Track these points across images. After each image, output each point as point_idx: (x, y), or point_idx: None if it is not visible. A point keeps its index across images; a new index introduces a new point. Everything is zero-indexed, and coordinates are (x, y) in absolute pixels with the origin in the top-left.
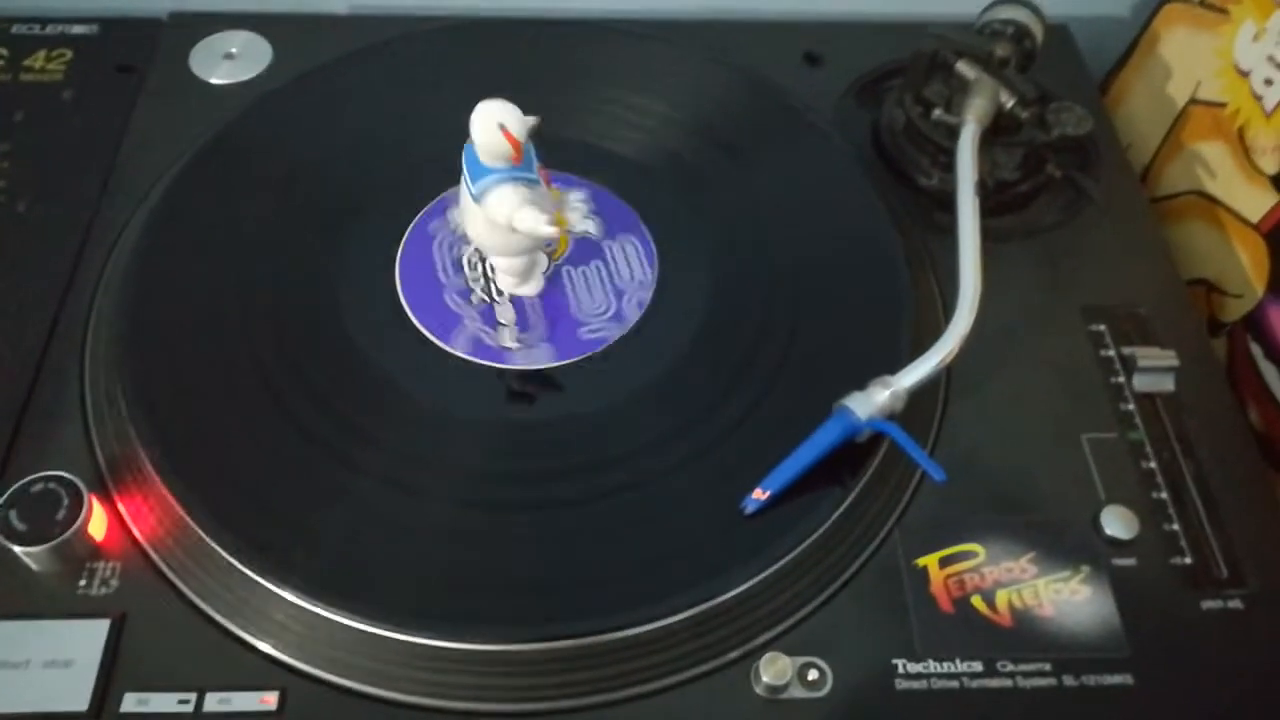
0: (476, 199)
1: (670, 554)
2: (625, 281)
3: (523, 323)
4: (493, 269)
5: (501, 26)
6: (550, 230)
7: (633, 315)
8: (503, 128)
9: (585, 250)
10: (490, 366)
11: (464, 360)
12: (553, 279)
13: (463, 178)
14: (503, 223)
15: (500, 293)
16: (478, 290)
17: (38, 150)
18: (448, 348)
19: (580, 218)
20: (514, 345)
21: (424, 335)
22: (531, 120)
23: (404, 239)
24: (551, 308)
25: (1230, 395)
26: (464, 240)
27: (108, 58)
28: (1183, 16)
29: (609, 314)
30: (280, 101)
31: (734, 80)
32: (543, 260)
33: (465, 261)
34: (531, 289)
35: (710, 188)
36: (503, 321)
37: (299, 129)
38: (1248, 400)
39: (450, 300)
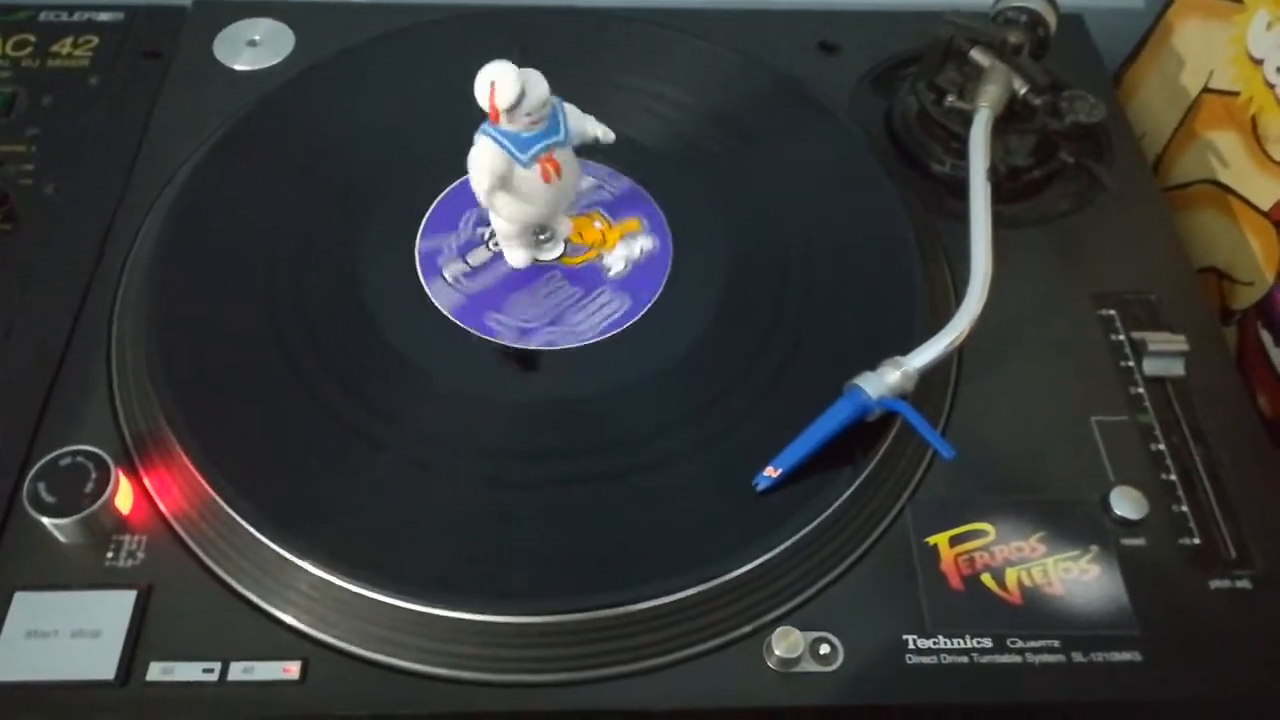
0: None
1: (684, 530)
2: (568, 322)
3: (475, 273)
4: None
5: (519, 14)
6: (482, 203)
7: (532, 344)
8: (492, 86)
9: (588, 276)
10: (512, 346)
11: (482, 339)
12: (542, 268)
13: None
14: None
15: (495, 245)
16: (489, 228)
17: (65, 135)
18: (415, 242)
19: (619, 255)
20: (447, 279)
21: (439, 309)
22: (599, 131)
23: (425, 218)
24: (507, 283)
25: (1239, 380)
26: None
27: (133, 44)
28: (1196, 6)
29: (519, 327)
30: (304, 86)
31: (750, 69)
32: (555, 248)
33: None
34: (515, 259)
35: (727, 174)
36: (468, 260)
37: (322, 114)
38: (1258, 387)
39: (464, 220)
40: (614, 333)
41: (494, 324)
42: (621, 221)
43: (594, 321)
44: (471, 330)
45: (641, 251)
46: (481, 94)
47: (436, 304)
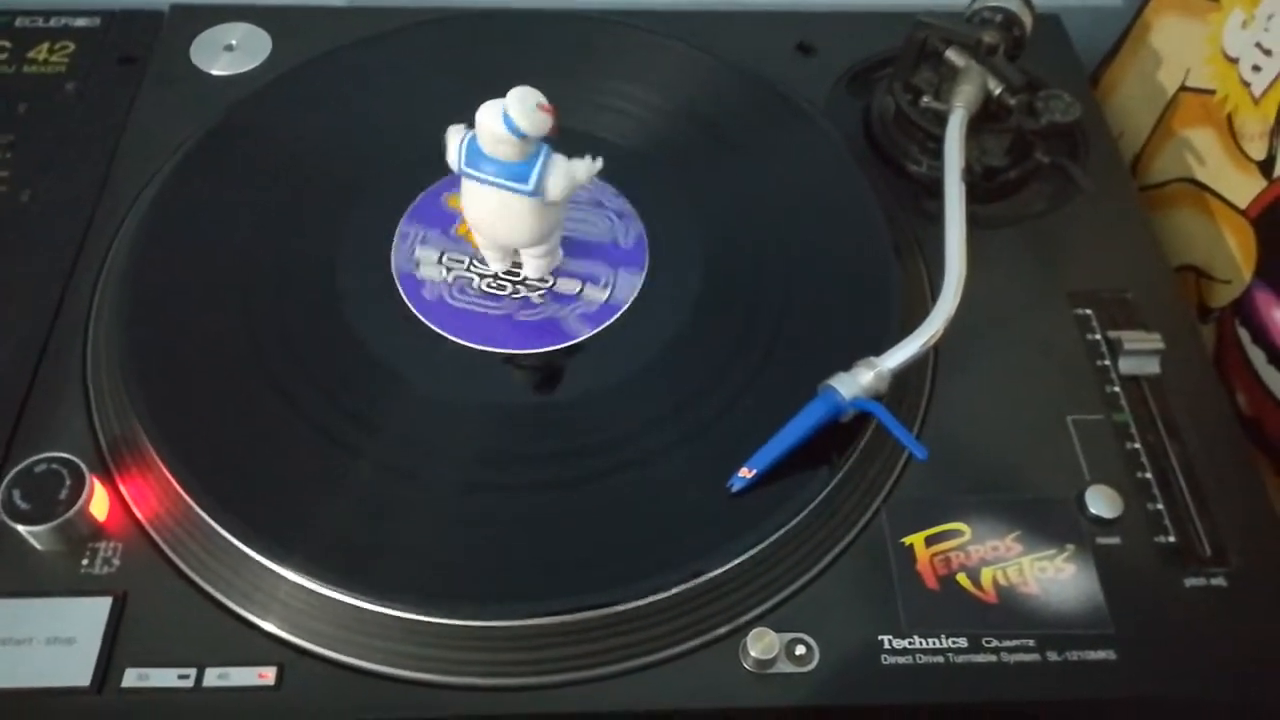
0: (536, 191)
1: (660, 532)
2: (604, 237)
3: (590, 277)
4: (520, 266)
5: (495, 19)
6: (598, 164)
7: (635, 248)
8: (539, 105)
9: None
10: (487, 350)
11: (457, 344)
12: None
13: (488, 196)
14: (560, 197)
15: (545, 279)
16: (531, 294)
17: (41, 141)
18: (392, 249)
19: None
20: (605, 294)
21: (414, 314)
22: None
23: (400, 224)
24: (581, 252)
25: (1215, 378)
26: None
27: (110, 50)
28: (1174, 4)
29: (618, 251)
30: (278, 92)
31: (727, 70)
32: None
33: (476, 289)
34: (559, 257)
35: (704, 176)
36: (574, 292)
37: (297, 119)
38: (1235, 384)
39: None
40: (592, 333)
41: (629, 245)
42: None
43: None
44: (648, 257)
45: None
46: (539, 118)
47: (638, 289)
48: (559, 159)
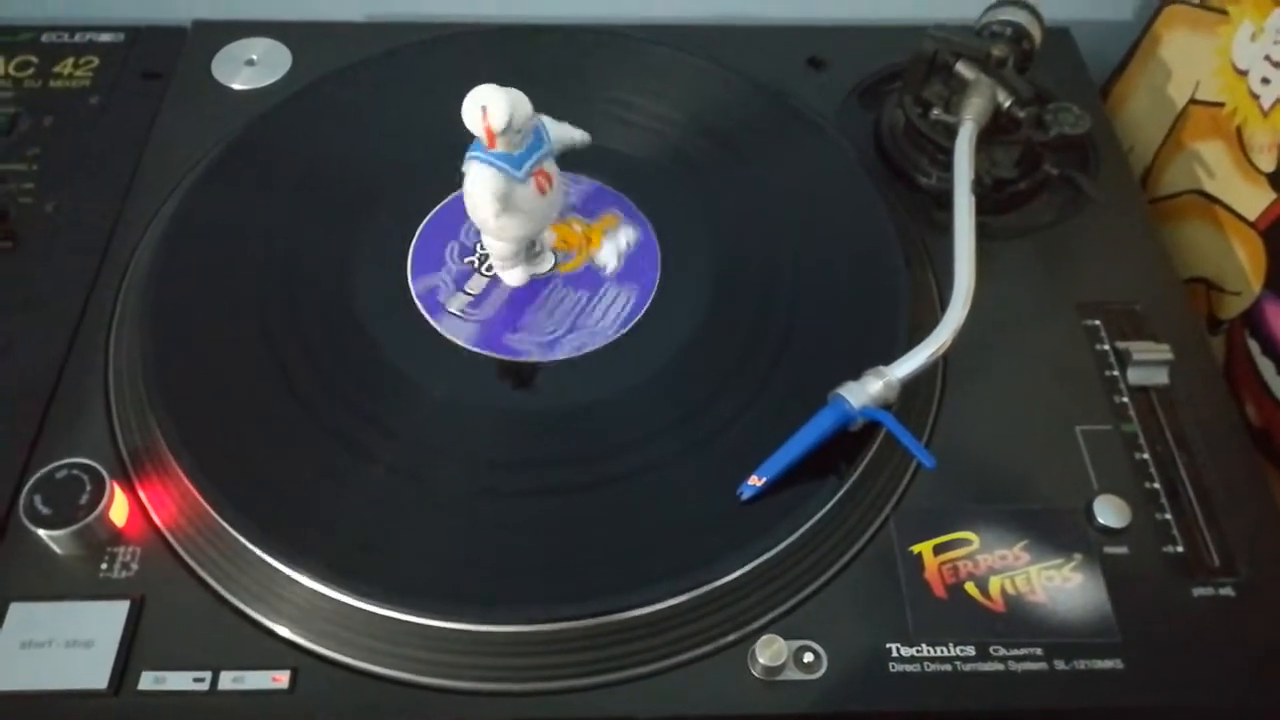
0: (461, 167)
1: (669, 539)
2: (588, 324)
3: (479, 300)
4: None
5: (511, 33)
6: (490, 228)
7: (561, 354)
8: (484, 110)
9: (588, 279)
10: (500, 357)
11: (473, 352)
12: (542, 281)
13: None
14: (470, 192)
15: (488, 270)
16: (477, 252)
17: (66, 153)
18: (410, 284)
19: (609, 251)
20: (453, 310)
21: (431, 325)
22: (579, 135)
23: (415, 237)
24: (514, 302)
25: (1224, 389)
26: None
27: (134, 65)
28: (1183, 18)
29: (544, 340)
30: (298, 106)
31: (739, 84)
32: (546, 259)
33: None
34: (513, 279)
35: (716, 187)
36: (467, 290)
37: (316, 132)
38: (1245, 395)
39: (448, 252)
40: (633, 323)
41: (512, 344)
42: (599, 218)
43: (614, 316)
44: (493, 355)
45: (628, 243)
46: (474, 119)
47: (449, 338)
48: (497, 174)
